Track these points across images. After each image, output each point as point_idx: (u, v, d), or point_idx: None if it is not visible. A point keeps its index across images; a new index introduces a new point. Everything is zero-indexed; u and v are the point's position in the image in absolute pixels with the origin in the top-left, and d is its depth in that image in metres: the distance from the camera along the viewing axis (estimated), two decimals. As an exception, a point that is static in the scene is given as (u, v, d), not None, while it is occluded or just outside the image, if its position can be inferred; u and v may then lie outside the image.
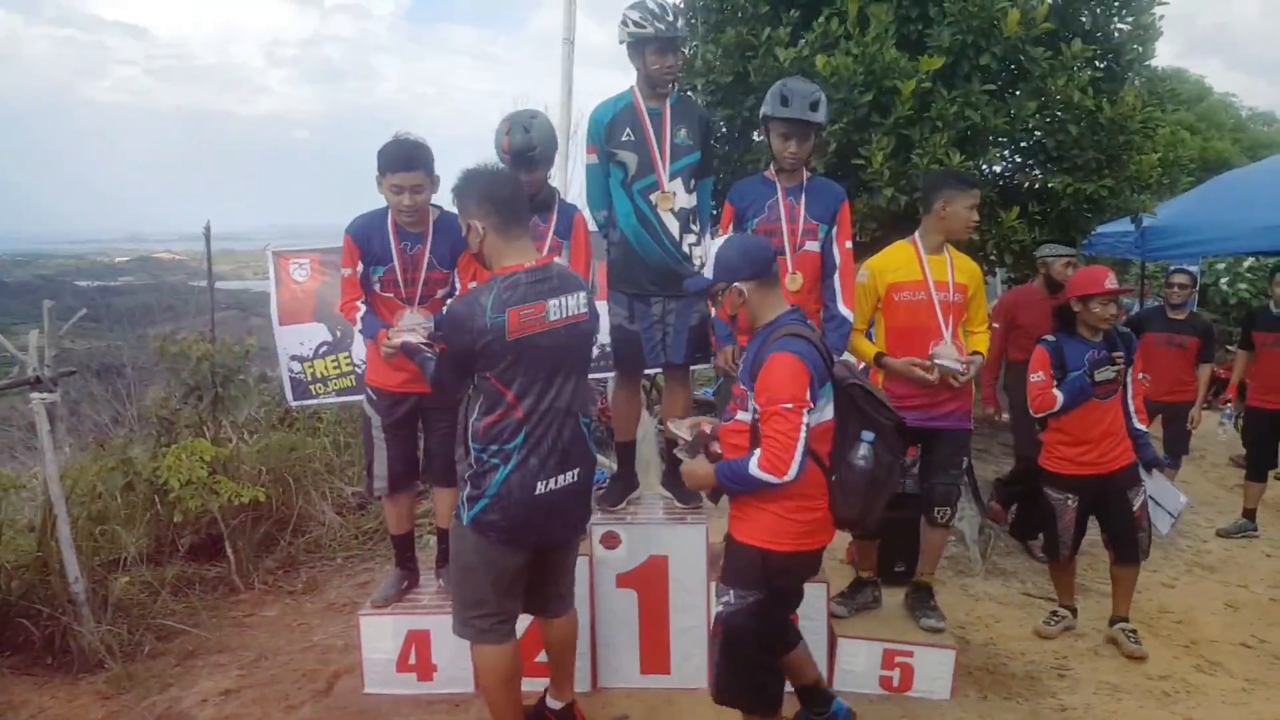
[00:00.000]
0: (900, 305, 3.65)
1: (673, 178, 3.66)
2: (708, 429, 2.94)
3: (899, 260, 3.70)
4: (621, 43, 3.63)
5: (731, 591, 2.80)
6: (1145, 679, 4.03)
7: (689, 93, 5.49)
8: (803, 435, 2.56)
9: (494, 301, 2.67)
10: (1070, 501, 4.17)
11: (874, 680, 3.74)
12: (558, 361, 2.80)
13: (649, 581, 3.72)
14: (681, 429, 2.98)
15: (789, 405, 2.55)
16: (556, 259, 3.11)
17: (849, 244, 3.71)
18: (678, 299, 3.69)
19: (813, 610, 3.72)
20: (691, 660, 3.71)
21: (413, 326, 3.38)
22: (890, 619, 3.91)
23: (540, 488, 2.79)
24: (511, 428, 2.75)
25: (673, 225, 3.66)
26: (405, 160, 3.34)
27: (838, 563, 5.06)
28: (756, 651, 2.83)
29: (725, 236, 2.96)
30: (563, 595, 3.18)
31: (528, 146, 3.49)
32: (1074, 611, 4.51)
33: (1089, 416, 4.03)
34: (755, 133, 5.58)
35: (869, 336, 3.86)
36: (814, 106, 3.44)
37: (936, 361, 3.55)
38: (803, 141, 3.52)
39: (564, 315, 2.79)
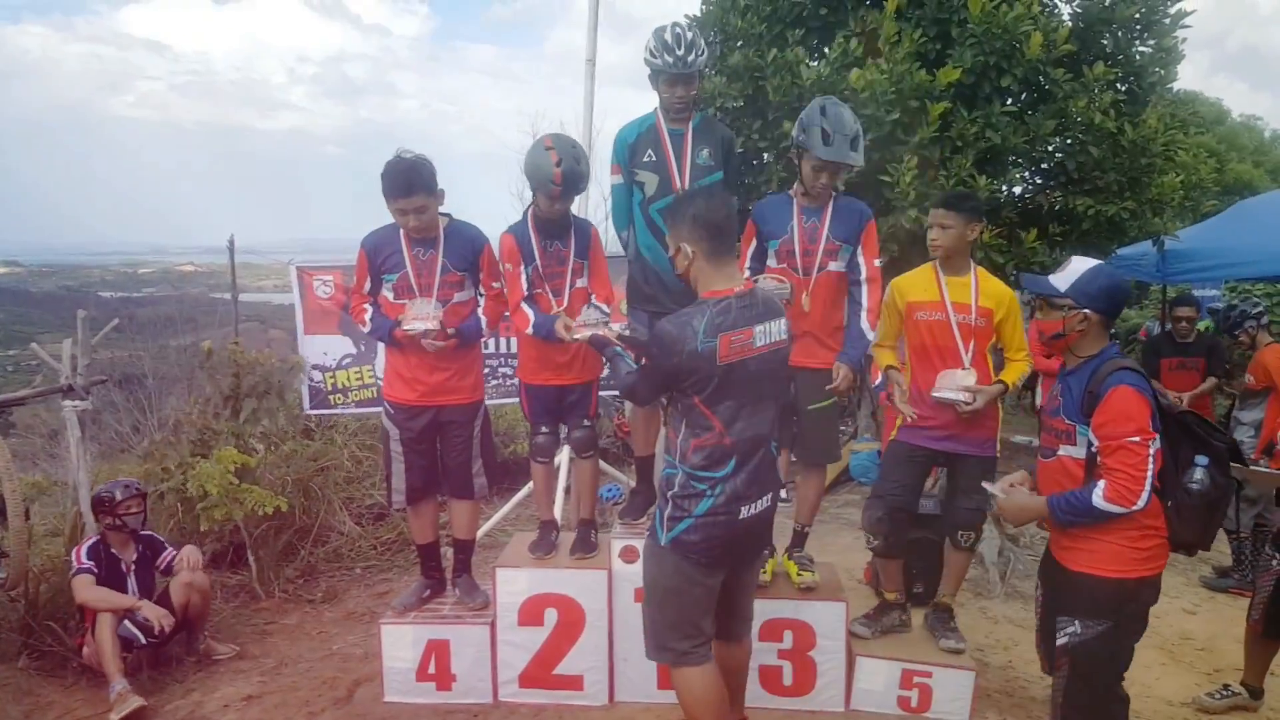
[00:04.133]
0: (920, 324, 3.66)
1: None
2: (1017, 478, 3.02)
3: (920, 280, 3.71)
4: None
5: (1077, 622, 2.82)
6: (1167, 705, 3.99)
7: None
8: (1150, 466, 2.64)
9: (707, 325, 2.67)
10: None
11: (892, 700, 3.72)
12: (760, 387, 2.80)
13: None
14: (992, 488, 3.06)
15: (1135, 439, 2.63)
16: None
17: (877, 262, 3.70)
18: None
19: (830, 630, 3.73)
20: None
21: (427, 314, 3.49)
22: (909, 639, 3.88)
23: (744, 512, 2.80)
24: (721, 454, 2.76)
25: None
26: (405, 187, 3.41)
27: (856, 582, 5.06)
28: (1108, 679, 2.85)
29: (1097, 263, 2.87)
30: (747, 618, 3.16)
31: (579, 178, 3.53)
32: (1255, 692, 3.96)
33: None
34: (765, 155, 5.62)
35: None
36: (854, 145, 3.44)
37: (934, 394, 3.52)
38: (836, 175, 3.53)
39: (769, 341, 2.78)
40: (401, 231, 3.58)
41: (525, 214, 3.72)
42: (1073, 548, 2.83)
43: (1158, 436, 2.68)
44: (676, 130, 3.73)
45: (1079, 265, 2.84)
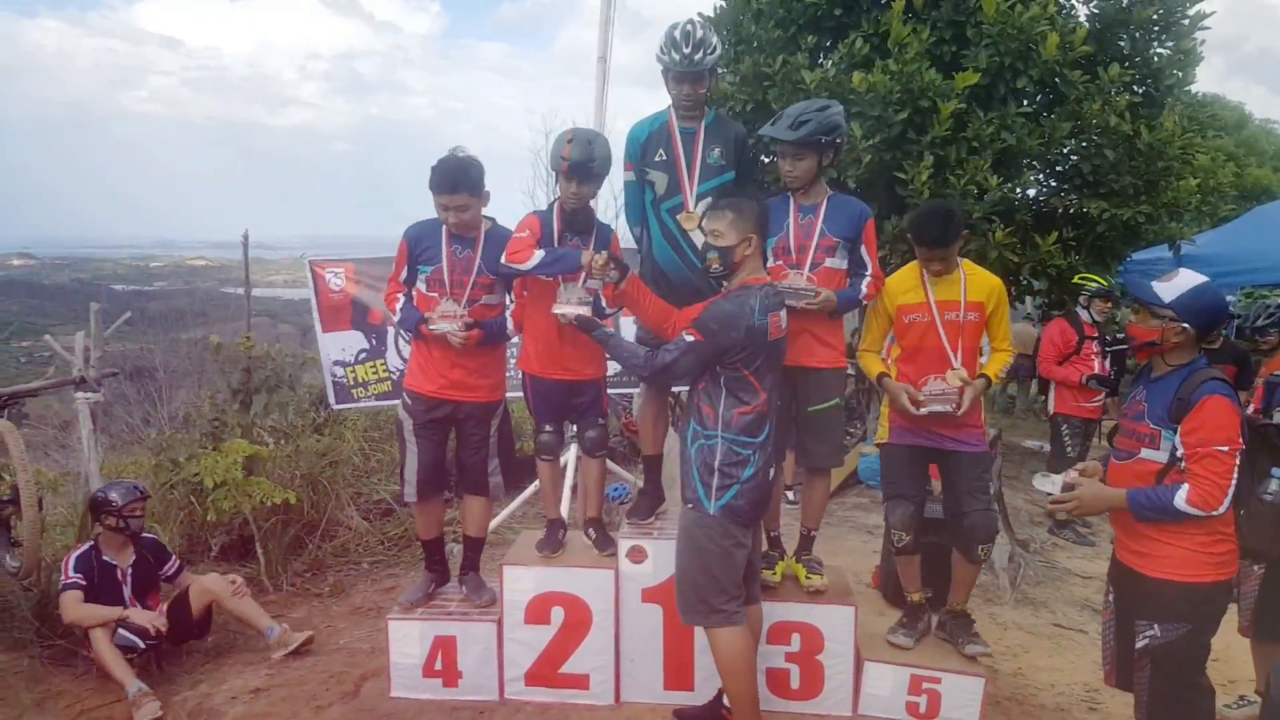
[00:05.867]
0: (908, 327, 3.61)
1: (700, 198, 3.66)
2: (1090, 468, 3.05)
3: (906, 282, 3.65)
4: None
5: (1157, 625, 2.86)
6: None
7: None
8: (1235, 475, 2.68)
9: (760, 305, 3.04)
10: None
11: (900, 706, 3.68)
12: (780, 361, 3.23)
13: (674, 597, 3.71)
14: (1051, 486, 3.05)
15: (1225, 448, 2.68)
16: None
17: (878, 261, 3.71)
18: None
19: (839, 633, 3.70)
20: (715, 679, 3.68)
21: (453, 315, 3.56)
22: (918, 644, 3.85)
23: (771, 473, 3.21)
24: (761, 421, 3.12)
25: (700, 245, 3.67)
26: (450, 184, 3.51)
27: (864, 586, 5.03)
28: (1190, 674, 2.90)
29: (1204, 280, 2.88)
30: (759, 579, 3.51)
31: (588, 159, 3.55)
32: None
33: None
34: (764, 156, 5.63)
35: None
36: (795, 125, 3.44)
37: (923, 411, 3.49)
38: (795, 160, 3.53)
39: (784, 324, 3.19)
40: (444, 227, 3.64)
41: (551, 205, 3.77)
42: (1147, 554, 2.85)
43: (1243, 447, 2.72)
44: (688, 129, 3.71)
45: (1186, 279, 2.86)
